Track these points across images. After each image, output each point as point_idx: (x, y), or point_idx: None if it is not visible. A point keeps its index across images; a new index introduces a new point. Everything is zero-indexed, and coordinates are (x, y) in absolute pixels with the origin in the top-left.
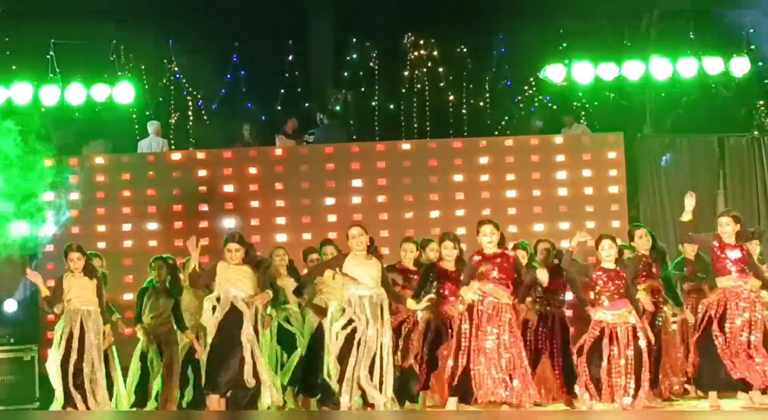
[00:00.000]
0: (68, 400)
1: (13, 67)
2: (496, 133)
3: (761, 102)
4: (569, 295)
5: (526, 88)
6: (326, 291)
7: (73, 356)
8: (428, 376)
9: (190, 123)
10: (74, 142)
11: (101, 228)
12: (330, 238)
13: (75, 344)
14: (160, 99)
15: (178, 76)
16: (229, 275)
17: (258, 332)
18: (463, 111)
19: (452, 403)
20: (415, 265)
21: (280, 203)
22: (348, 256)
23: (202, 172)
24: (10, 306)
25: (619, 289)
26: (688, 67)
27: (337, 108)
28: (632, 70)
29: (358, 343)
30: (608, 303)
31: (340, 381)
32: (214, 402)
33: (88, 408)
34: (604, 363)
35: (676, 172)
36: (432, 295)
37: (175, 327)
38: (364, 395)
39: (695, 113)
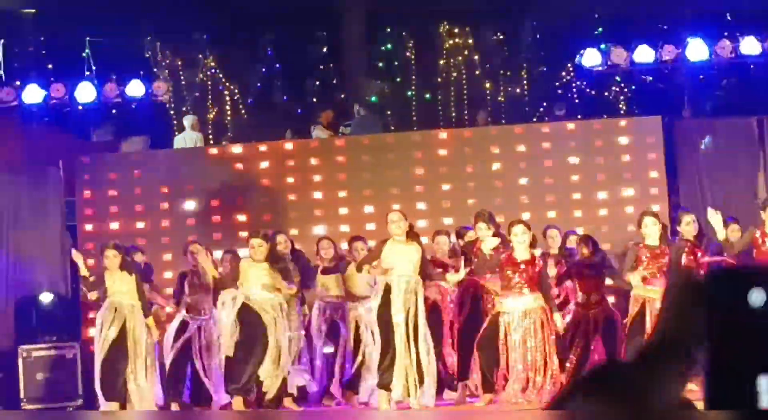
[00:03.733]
0: (110, 398)
1: (49, 66)
2: (534, 119)
3: None
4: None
5: (563, 74)
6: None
7: (115, 352)
8: (466, 365)
9: (228, 117)
10: (112, 140)
11: (140, 225)
12: (359, 235)
13: (117, 340)
14: (196, 94)
15: (213, 70)
16: (251, 273)
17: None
18: (500, 99)
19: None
20: (451, 256)
21: (317, 195)
22: (387, 241)
23: (238, 166)
24: (46, 298)
25: (662, 268)
26: (725, 48)
27: (373, 99)
28: (669, 53)
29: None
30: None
31: (388, 370)
32: (240, 404)
33: (124, 405)
34: None
35: (716, 155)
36: (467, 269)
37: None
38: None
39: (734, 95)
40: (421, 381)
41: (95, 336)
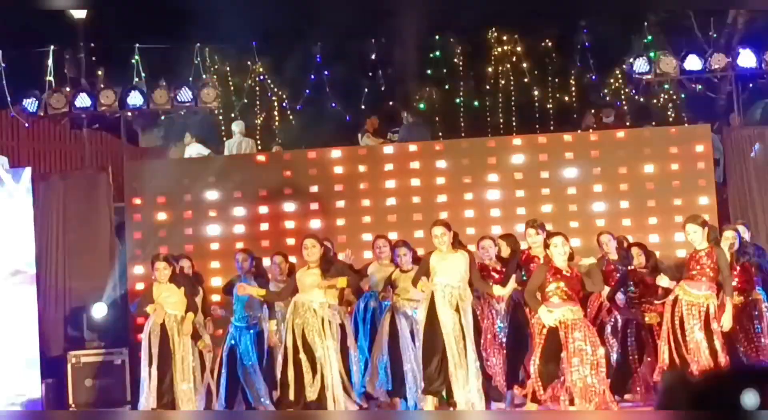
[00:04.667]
0: (159, 406)
1: (99, 73)
2: (582, 127)
3: None
4: None
5: (611, 81)
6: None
7: (162, 362)
8: (514, 372)
9: (276, 123)
10: (161, 145)
11: (188, 231)
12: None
13: (164, 350)
14: (245, 100)
15: (262, 77)
16: (303, 281)
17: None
18: (549, 106)
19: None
20: (498, 261)
21: (365, 202)
22: (432, 253)
23: (287, 173)
24: (99, 311)
25: (706, 271)
26: None
27: (421, 106)
28: (719, 61)
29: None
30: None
31: (436, 378)
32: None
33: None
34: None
35: (766, 164)
36: (514, 283)
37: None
38: (449, 390)
39: None
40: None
41: (143, 346)
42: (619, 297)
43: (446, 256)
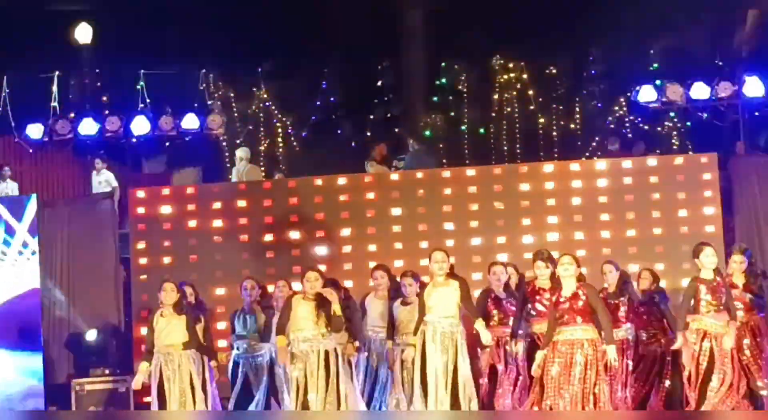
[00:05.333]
0: None
1: (104, 99)
2: (587, 154)
3: None
4: None
5: (617, 109)
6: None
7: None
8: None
9: (280, 150)
10: (165, 171)
11: (193, 257)
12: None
13: (166, 380)
14: (250, 127)
15: (267, 103)
16: (297, 313)
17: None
18: (554, 133)
19: None
20: (505, 291)
21: (371, 230)
22: (427, 286)
23: (292, 200)
24: (91, 336)
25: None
26: None
27: (427, 133)
28: (724, 89)
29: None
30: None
31: None
32: None
33: None
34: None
35: None
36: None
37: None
38: None
39: None
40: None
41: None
42: None
43: (438, 288)
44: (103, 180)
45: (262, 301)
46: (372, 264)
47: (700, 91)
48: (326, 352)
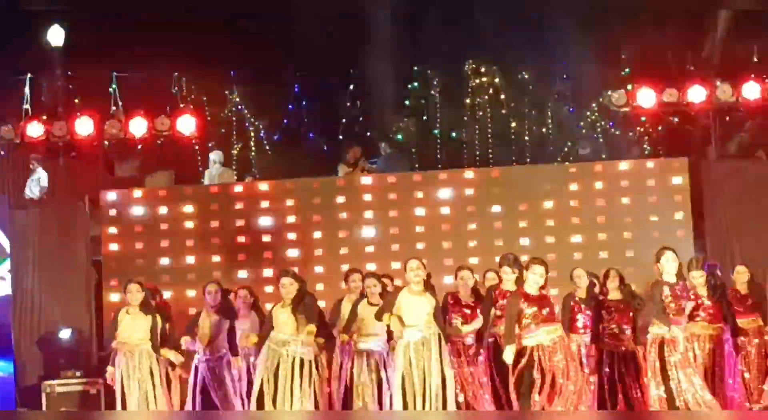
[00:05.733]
0: None
1: (76, 101)
2: (559, 159)
3: None
4: None
5: (588, 113)
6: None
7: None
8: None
9: (253, 153)
10: (137, 174)
11: (164, 261)
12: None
13: (131, 380)
14: (222, 130)
15: (240, 107)
16: (278, 320)
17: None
18: (526, 137)
19: None
20: (472, 294)
21: (342, 234)
22: (404, 289)
23: (264, 204)
24: (65, 334)
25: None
26: (751, 90)
27: (399, 137)
28: (696, 94)
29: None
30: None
31: None
32: None
33: None
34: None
35: (741, 197)
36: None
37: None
38: None
39: (760, 137)
40: None
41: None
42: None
43: (414, 296)
44: (36, 178)
45: (225, 306)
46: (344, 267)
47: (671, 95)
48: (301, 361)
